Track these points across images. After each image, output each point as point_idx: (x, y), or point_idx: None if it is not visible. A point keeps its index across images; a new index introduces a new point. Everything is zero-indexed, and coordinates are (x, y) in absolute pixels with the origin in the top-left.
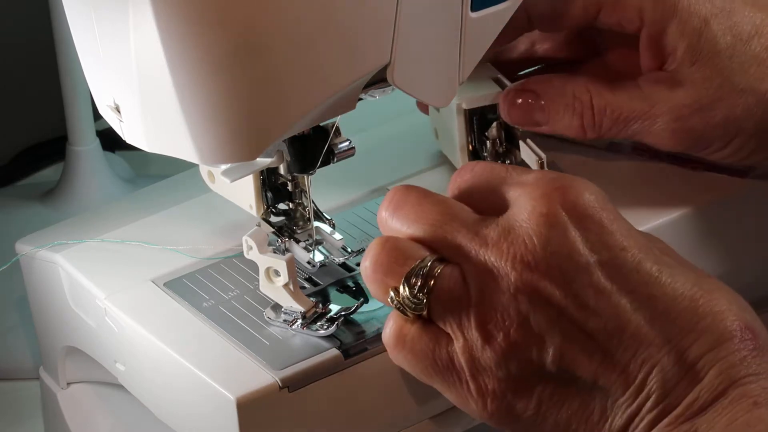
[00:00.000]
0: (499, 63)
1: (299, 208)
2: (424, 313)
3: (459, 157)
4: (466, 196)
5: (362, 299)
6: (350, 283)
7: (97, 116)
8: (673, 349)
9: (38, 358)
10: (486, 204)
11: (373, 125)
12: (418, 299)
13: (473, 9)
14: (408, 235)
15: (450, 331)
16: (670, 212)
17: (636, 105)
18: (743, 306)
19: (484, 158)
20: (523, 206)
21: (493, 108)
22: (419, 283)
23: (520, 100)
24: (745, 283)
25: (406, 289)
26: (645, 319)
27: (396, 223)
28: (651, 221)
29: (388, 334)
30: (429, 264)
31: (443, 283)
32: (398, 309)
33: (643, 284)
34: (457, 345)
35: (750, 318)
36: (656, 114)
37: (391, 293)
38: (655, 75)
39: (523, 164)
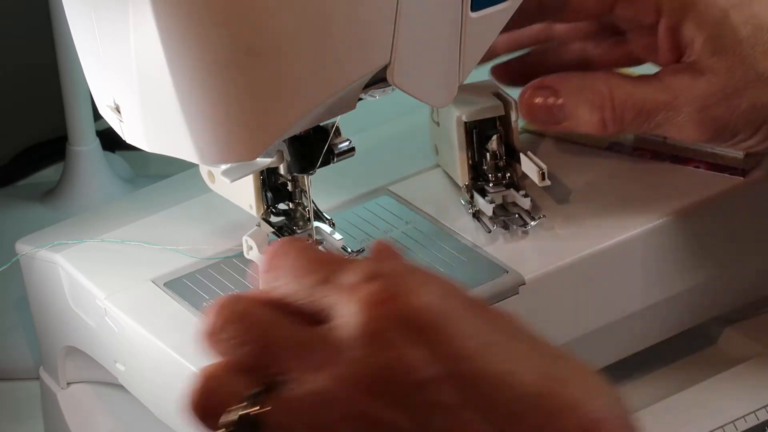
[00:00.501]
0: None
1: (299, 208)
2: None
3: (459, 171)
4: (286, 303)
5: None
6: None
7: (97, 116)
8: None
9: (38, 358)
10: (307, 310)
11: (373, 125)
12: None
13: (473, 9)
14: (234, 364)
15: None
16: (669, 212)
17: (658, 96)
18: (600, 390)
19: (483, 171)
20: (349, 322)
21: (493, 121)
22: (245, 423)
23: (538, 99)
24: (744, 283)
25: (234, 426)
26: (491, 428)
27: (220, 349)
28: (651, 221)
29: None
30: (254, 400)
31: (271, 418)
32: None
33: (488, 391)
34: None
35: (606, 403)
36: (680, 105)
37: None
38: (675, 66)
39: (524, 177)
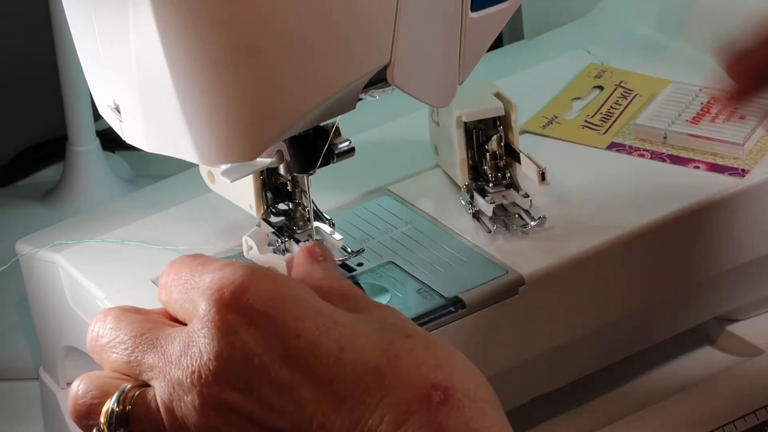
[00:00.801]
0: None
1: (299, 208)
2: None
3: (459, 172)
4: (165, 305)
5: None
6: None
7: (97, 116)
8: None
9: (38, 358)
10: (182, 312)
11: (373, 125)
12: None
13: (473, 9)
14: (112, 365)
15: None
16: (669, 212)
17: None
18: (443, 361)
19: (483, 171)
20: (198, 314)
21: (493, 121)
22: (113, 420)
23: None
24: (744, 283)
25: (104, 426)
26: (330, 406)
27: (100, 356)
28: (651, 221)
29: None
30: (122, 395)
31: (138, 413)
32: None
33: (323, 369)
34: None
35: (449, 372)
36: None
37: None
38: None
39: (524, 177)
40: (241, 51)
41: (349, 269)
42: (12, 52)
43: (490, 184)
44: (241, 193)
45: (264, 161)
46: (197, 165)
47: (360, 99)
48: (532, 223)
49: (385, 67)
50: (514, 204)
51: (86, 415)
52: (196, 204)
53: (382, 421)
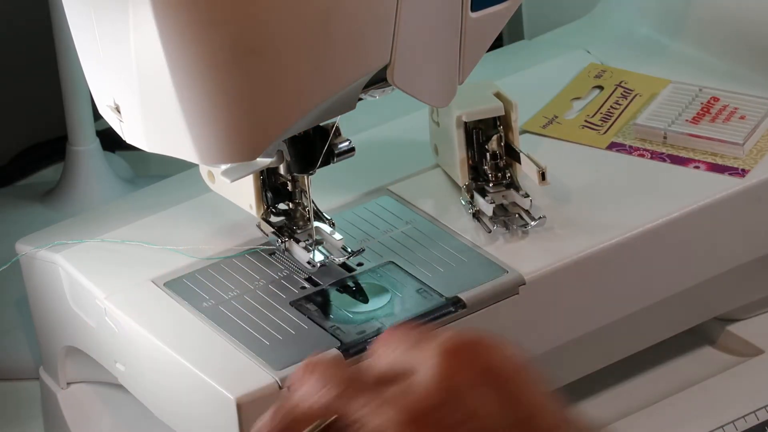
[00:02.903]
0: None
1: (299, 208)
2: None
3: (459, 171)
4: (384, 368)
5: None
6: (350, 283)
7: (97, 116)
8: None
9: (38, 358)
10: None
11: (373, 125)
12: None
13: (473, 9)
14: (314, 399)
15: None
16: (670, 212)
17: None
18: None
19: (484, 171)
20: (426, 366)
21: (493, 121)
22: None
23: None
24: (744, 283)
25: None
26: None
27: (305, 388)
28: (651, 221)
29: None
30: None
31: None
32: None
33: None
34: None
35: None
36: None
37: None
38: None
39: (524, 177)
40: (241, 51)
41: (349, 269)
42: (12, 53)
43: (490, 184)
44: (241, 193)
45: (264, 161)
46: (197, 165)
47: (360, 99)
48: (532, 223)
49: (385, 67)
50: (514, 204)
51: None
52: (196, 204)
53: None
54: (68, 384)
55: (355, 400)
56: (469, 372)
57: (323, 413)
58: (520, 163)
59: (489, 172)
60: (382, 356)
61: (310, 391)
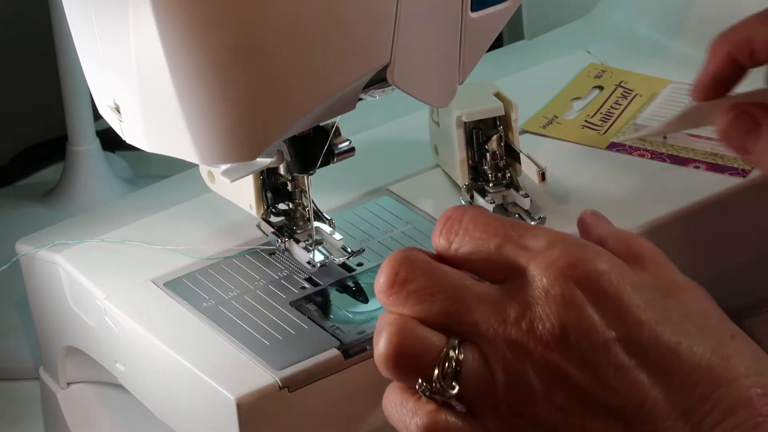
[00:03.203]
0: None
1: (299, 208)
2: (454, 399)
3: (459, 171)
4: (465, 256)
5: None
6: (350, 283)
7: (97, 116)
8: (688, 422)
9: (38, 358)
10: (488, 266)
11: (373, 125)
12: (449, 386)
13: (473, 9)
14: (418, 313)
15: (481, 414)
16: (669, 212)
17: None
18: (763, 369)
19: (484, 171)
20: (537, 281)
21: (493, 121)
22: (448, 371)
23: (740, 118)
24: (744, 284)
25: (436, 378)
26: (662, 393)
27: (404, 300)
28: (650, 221)
29: (424, 427)
30: (452, 351)
31: (469, 368)
32: (427, 396)
33: (661, 359)
34: (490, 425)
35: (764, 380)
36: None
37: (423, 383)
38: None
39: (524, 177)
40: (241, 51)
41: (349, 269)
42: (12, 53)
43: (490, 184)
44: (241, 193)
45: (264, 161)
46: (197, 165)
47: (360, 99)
48: (532, 224)
49: (385, 67)
50: (514, 204)
51: (410, 364)
52: (196, 204)
53: (711, 412)
54: (68, 384)
55: (472, 305)
56: (580, 288)
57: (443, 324)
58: (519, 163)
59: (489, 172)
60: (471, 247)
61: (418, 301)
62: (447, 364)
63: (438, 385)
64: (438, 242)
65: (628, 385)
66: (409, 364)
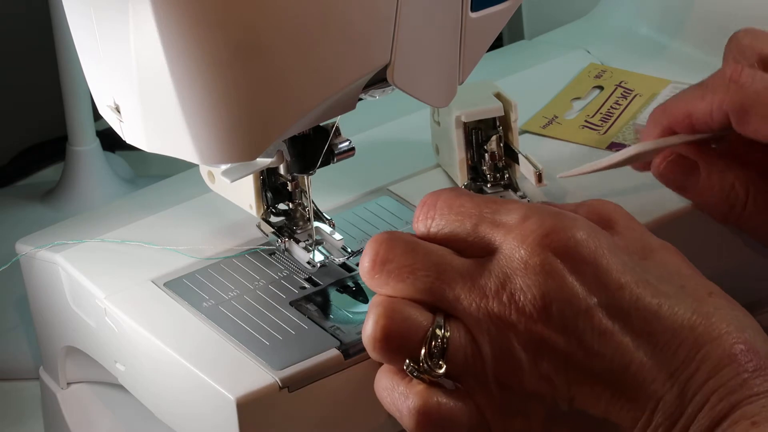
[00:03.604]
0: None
1: (299, 208)
2: (442, 377)
3: (458, 171)
4: (444, 239)
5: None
6: (350, 284)
7: (97, 116)
8: (675, 383)
9: (38, 358)
10: (466, 245)
11: (373, 125)
12: (436, 365)
13: (473, 9)
14: (402, 292)
15: (471, 390)
16: (669, 212)
17: None
18: (744, 324)
19: (482, 172)
20: (515, 254)
21: (492, 122)
22: (434, 350)
23: (678, 161)
24: (745, 283)
25: (423, 358)
26: (647, 355)
27: (386, 279)
28: (651, 221)
29: (416, 409)
30: (438, 330)
31: (456, 345)
32: (415, 377)
33: (643, 321)
34: (480, 400)
35: (751, 336)
36: None
37: (410, 363)
38: None
39: (522, 178)
40: (241, 51)
41: (349, 269)
42: (12, 53)
43: (489, 185)
44: (241, 193)
45: (264, 161)
46: (197, 165)
47: (360, 99)
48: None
49: (385, 67)
50: None
51: (397, 344)
52: (196, 204)
53: (697, 372)
54: (68, 384)
55: (454, 281)
56: (556, 256)
57: (426, 302)
58: (518, 163)
59: (488, 172)
60: (450, 227)
61: (399, 280)
62: (433, 343)
63: (425, 365)
64: (417, 228)
65: (613, 350)
66: (395, 344)
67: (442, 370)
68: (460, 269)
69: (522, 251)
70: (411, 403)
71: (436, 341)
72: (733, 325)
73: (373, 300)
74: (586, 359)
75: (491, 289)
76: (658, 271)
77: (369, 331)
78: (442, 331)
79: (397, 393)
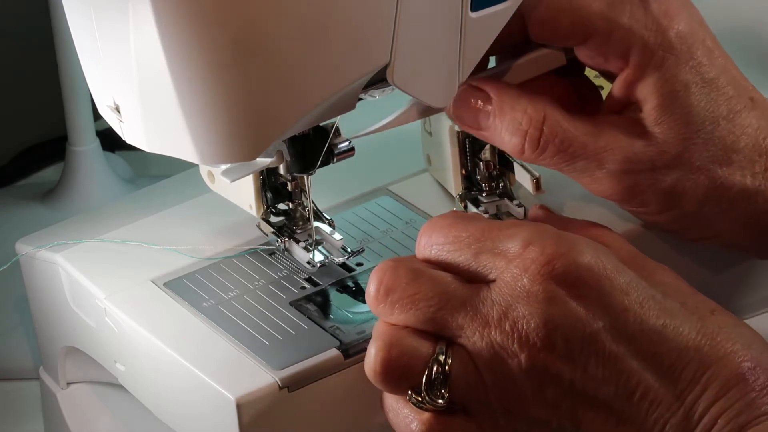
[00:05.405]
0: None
1: (299, 208)
2: (445, 405)
3: (452, 181)
4: (447, 266)
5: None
6: (350, 283)
7: (97, 116)
8: (681, 405)
9: (38, 358)
10: (468, 274)
11: (373, 125)
12: (437, 396)
13: (473, 9)
14: (406, 322)
15: (475, 414)
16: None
17: (589, 143)
18: (749, 341)
19: (477, 181)
20: (517, 283)
21: None
22: (435, 380)
23: (471, 99)
24: (745, 283)
25: (426, 388)
26: (653, 378)
27: (391, 309)
28: (648, 228)
29: None
30: (441, 357)
31: (458, 373)
32: (418, 407)
33: (649, 342)
34: (485, 425)
35: (757, 352)
36: (606, 159)
37: (412, 395)
38: (615, 119)
39: (517, 186)
40: (241, 51)
41: (349, 269)
42: (12, 53)
43: (484, 194)
44: (241, 193)
45: (264, 161)
46: (197, 165)
47: (360, 99)
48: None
49: (385, 67)
50: (509, 214)
51: (398, 375)
52: (196, 204)
53: (703, 394)
54: (68, 384)
55: (456, 310)
56: (558, 283)
57: (429, 331)
58: (513, 172)
59: (482, 181)
60: (450, 257)
61: (403, 310)
62: (435, 372)
63: (427, 397)
64: (420, 256)
65: (619, 374)
66: (396, 376)
67: (443, 401)
68: (462, 298)
69: (525, 280)
70: (416, 428)
71: (438, 370)
72: (739, 343)
73: (375, 329)
74: (591, 385)
75: (494, 318)
76: (659, 290)
77: (370, 363)
78: (444, 358)
79: (401, 416)
